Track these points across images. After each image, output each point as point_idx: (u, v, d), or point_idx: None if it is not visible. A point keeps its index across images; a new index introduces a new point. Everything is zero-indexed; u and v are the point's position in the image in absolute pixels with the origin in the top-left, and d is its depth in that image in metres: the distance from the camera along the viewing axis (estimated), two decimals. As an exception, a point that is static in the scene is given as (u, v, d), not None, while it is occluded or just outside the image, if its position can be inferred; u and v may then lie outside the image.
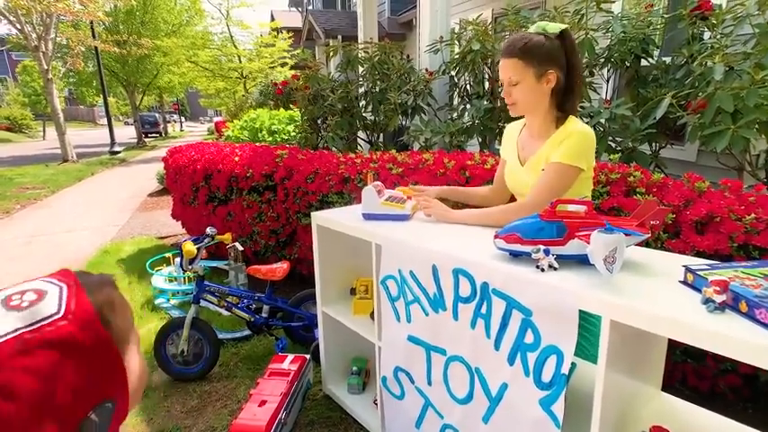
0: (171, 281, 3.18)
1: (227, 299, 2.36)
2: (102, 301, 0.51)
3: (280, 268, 2.30)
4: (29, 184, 8.40)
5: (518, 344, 1.12)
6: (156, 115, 26.47)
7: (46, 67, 10.71)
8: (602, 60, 3.31)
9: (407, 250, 1.41)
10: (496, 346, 1.17)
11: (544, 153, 1.41)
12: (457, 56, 3.65)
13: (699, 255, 1.75)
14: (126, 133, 21.82)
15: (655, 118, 2.63)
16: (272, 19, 17.07)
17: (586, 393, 1.23)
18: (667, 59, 3.29)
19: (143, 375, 0.58)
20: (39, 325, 0.45)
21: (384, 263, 1.51)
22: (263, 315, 2.36)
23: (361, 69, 4.32)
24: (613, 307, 0.93)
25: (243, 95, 13.48)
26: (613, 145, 3.02)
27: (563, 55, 1.35)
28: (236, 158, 3.33)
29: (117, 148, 14.02)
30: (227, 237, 2.46)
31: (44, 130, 23.28)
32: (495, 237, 1.20)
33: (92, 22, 12.24)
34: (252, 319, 2.36)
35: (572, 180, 1.35)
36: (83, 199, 7.26)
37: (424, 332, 1.41)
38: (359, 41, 5.63)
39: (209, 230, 2.36)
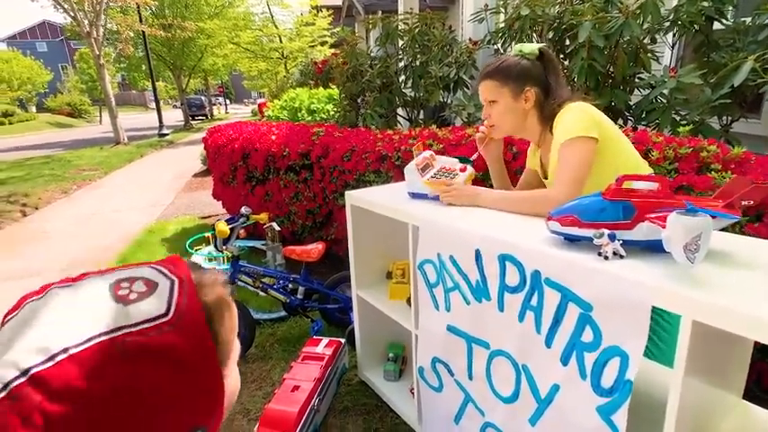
0: (210, 260, 3.23)
1: (263, 279, 2.34)
2: (214, 305, 0.42)
3: (315, 249, 2.24)
4: (85, 165, 8.89)
5: (573, 342, 0.98)
6: (203, 98, 27.27)
7: (98, 53, 11.18)
8: (668, 24, 2.95)
9: (448, 233, 1.29)
10: (548, 343, 1.04)
11: (554, 161, 1.33)
12: (503, 24, 3.39)
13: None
14: (174, 116, 22.69)
15: (732, 86, 2.31)
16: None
17: (653, 399, 1.08)
18: (746, 20, 2.88)
19: (235, 395, 0.48)
20: (142, 327, 0.36)
21: (422, 246, 1.40)
22: (299, 297, 2.33)
23: (400, 43, 4.14)
24: (697, 305, 0.77)
25: (284, 76, 13.55)
26: (677, 118, 2.71)
27: (542, 73, 1.35)
28: (273, 137, 3.29)
29: (165, 131, 14.58)
30: (263, 216, 2.43)
31: (100, 115, 24.64)
32: (548, 219, 1.05)
33: (138, 7, 12.60)
34: (287, 301, 2.33)
35: (589, 153, 1.23)
36: (132, 179, 7.59)
37: (464, 322, 1.30)
38: (411, 12, 5.41)
39: (243, 210, 2.33)
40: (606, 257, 0.94)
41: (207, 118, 26.42)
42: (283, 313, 2.57)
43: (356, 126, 4.24)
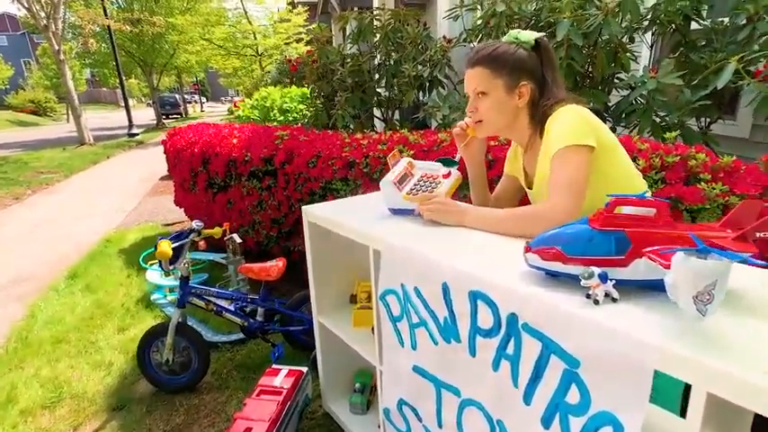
0: (167, 275, 2.97)
1: (217, 301, 2.12)
2: None
3: (274, 267, 2.03)
4: (43, 168, 8.40)
5: (557, 402, 0.81)
6: (177, 96, 26.46)
7: (57, 48, 10.61)
8: (647, 23, 2.85)
9: (411, 261, 1.11)
10: (526, 400, 0.87)
11: (542, 169, 1.17)
12: (479, 21, 3.23)
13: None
14: (147, 115, 21.92)
15: (716, 88, 2.20)
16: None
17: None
18: (725, 20, 2.80)
19: None
20: None
21: (384, 274, 1.22)
22: (258, 319, 2.12)
23: (374, 40, 3.94)
24: (712, 373, 0.61)
25: (260, 73, 13.17)
26: (657, 120, 2.61)
27: (538, 66, 1.18)
28: (235, 141, 3.06)
29: (135, 131, 14.02)
30: (217, 231, 2.21)
31: (68, 113, 23.62)
32: (526, 250, 0.88)
33: (102, 0, 12.04)
34: (245, 324, 2.12)
35: (585, 163, 1.06)
36: (94, 183, 7.19)
37: (432, 364, 1.12)
38: (383, 7, 5.21)
39: (194, 224, 2.11)
40: (596, 302, 0.77)
41: (181, 116, 25.65)
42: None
43: (329, 127, 4.04)
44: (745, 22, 2.52)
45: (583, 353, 0.76)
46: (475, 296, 0.94)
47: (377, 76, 3.94)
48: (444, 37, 3.57)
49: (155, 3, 15.32)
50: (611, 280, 0.78)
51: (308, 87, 4.49)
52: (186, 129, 3.82)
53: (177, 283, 2.91)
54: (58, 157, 9.66)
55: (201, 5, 15.70)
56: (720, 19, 2.80)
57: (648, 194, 1.21)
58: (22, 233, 4.70)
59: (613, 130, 2.83)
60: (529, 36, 1.17)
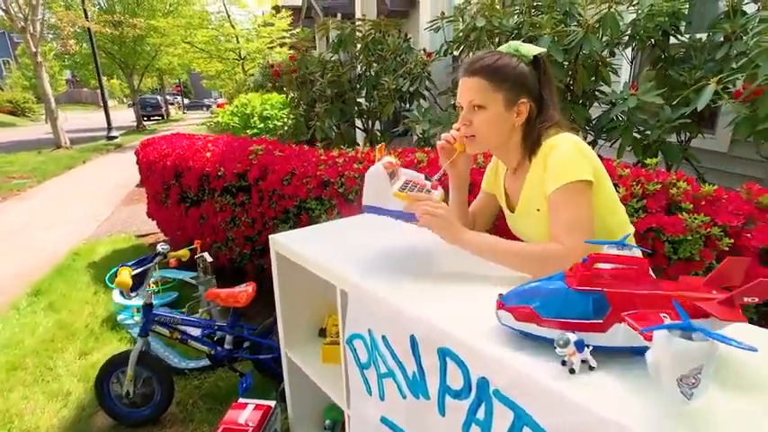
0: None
1: (182, 329, 2.00)
2: None
3: (243, 293, 1.93)
4: (16, 173, 8.10)
5: (532, 477, 0.74)
6: (159, 98, 25.98)
7: (35, 50, 10.30)
8: (627, 38, 2.84)
9: (379, 307, 1.03)
10: (499, 472, 0.80)
11: (529, 195, 1.12)
12: (460, 34, 3.19)
13: None
14: (129, 116, 21.37)
15: (696, 109, 2.18)
16: (274, -4, 16.39)
17: None
18: (702, 36, 2.80)
19: None
20: None
21: (351, 317, 1.13)
22: (227, 346, 2.01)
23: (355, 50, 3.87)
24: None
25: (242, 77, 12.97)
26: (638, 136, 2.59)
27: (537, 84, 1.10)
28: (208, 154, 2.94)
29: (114, 133, 13.66)
30: (184, 253, 2.10)
31: (46, 115, 23.01)
32: (499, 306, 0.81)
33: (83, 2, 11.74)
34: (212, 352, 2.01)
35: (589, 199, 1.01)
36: (68, 190, 6.95)
37: (401, 418, 1.04)
38: (364, 18, 5.15)
39: (159, 248, 2.00)
40: (572, 371, 0.70)
41: (163, 118, 25.20)
42: (212, 362, 2.25)
43: (308, 139, 3.94)
44: (722, 39, 2.53)
45: (556, 428, 0.69)
46: (444, 353, 0.87)
47: (358, 86, 3.87)
48: (425, 50, 3.51)
49: (137, 5, 15.02)
50: (587, 346, 0.71)
51: (286, 97, 4.38)
52: (160, 139, 3.68)
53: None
54: (32, 161, 9.34)
55: (184, 8, 15.44)
56: (699, 35, 2.80)
57: (631, 233, 1.17)
58: (-13, 244, 4.48)
59: (595, 142, 2.80)
60: (529, 50, 1.09)
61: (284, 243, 1.43)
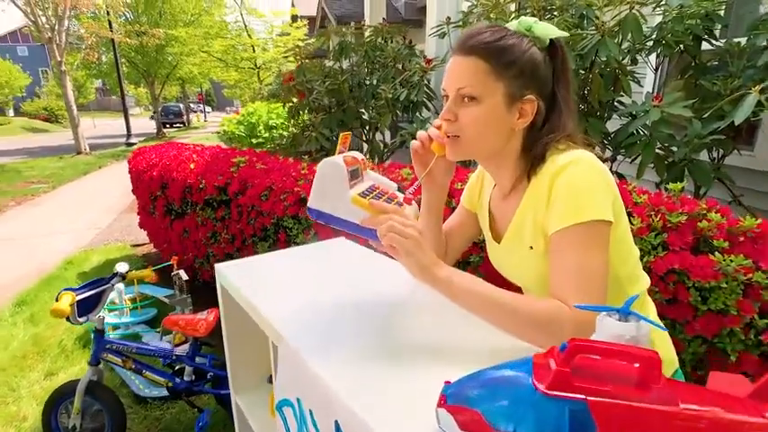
0: (110, 311, 2.68)
1: (137, 358, 1.81)
2: None
3: (203, 321, 1.72)
4: (35, 177, 8.25)
5: None
6: (181, 106, 26.63)
7: (60, 59, 10.56)
8: (651, 43, 2.55)
9: (307, 377, 0.80)
10: None
11: (521, 225, 0.83)
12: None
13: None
14: (152, 124, 21.90)
15: (732, 123, 1.88)
16: (293, 5, 16.53)
17: None
18: (741, 41, 2.49)
19: None
20: None
21: (280, 380, 0.91)
22: (186, 378, 1.81)
23: (355, 58, 3.69)
24: None
25: (257, 86, 13.03)
26: (661, 153, 2.29)
27: (550, 79, 0.81)
28: (192, 165, 2.78)
29: (133, 140, 13.92)
30: (148, 273, 1.92)
31: (69, 120, 23.88)
32: (441, 400, 0.57)
33: (108, 14, 12.05)
34: (170, 384, 1.80)
35: (605, 244, 0.73)
36: (78, 196, 6.97)
37: None
38: (363, 24, 4.99)
39: (118, 268, 1.82)
40: None
41: (184, 126, 25.75)
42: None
43: (306, 150, 3.76)
44: (765, 44, 2.22)
45: None
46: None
47: (359, 95, 3.67)
48: (425, 57, 3.30)
49: (159, 16, 15.38)
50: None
51: (283, 106, 4.23)
52: (150, 149, 3.57)
53: (123, 320, 2.64)
54: (51, 166, 9.51)
55: (206, 18, 15.73)
56: (737, 40, 2.49)
57: (644, 290, 0.90)
58: (-13, 250, 4.44)
59: (613, 160, 2.52)
60: (546, 31, 0.79)
61: (227, 275, 1.22)
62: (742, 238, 1.24)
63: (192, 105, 30.34)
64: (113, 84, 22.89)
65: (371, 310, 0.96)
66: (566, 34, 0.82)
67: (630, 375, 0.50)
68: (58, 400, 1.76)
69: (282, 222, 2.11)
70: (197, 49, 14.69)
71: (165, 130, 19.27)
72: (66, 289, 1.60)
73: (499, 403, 0.52)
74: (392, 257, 0.77)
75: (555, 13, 2.67)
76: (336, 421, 0.70)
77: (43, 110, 27.21)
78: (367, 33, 3.50)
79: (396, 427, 0.61)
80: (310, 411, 0.80)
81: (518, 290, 0.98)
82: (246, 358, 1.38)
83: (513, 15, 2.82)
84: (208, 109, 38.46)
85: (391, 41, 3.45)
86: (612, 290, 0.76)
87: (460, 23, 3.19)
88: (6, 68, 28.21)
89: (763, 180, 2.74)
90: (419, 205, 0.99)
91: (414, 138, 0.89)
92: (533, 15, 2.70)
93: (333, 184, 0.80)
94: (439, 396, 0.58)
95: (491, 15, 2.61)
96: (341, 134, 0.89)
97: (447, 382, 0.59)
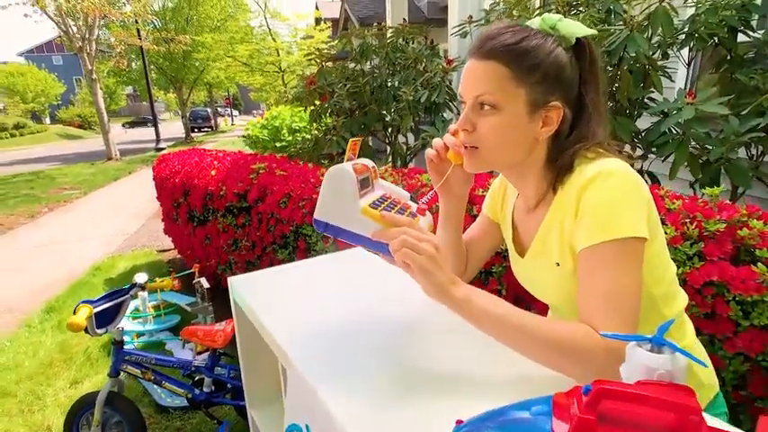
0: (134, 318, 2.74)
1: (157, 369, 1.83)
2: None
3: (220, 332, 1.73)
4: (67, 184, 8.57)
5: None
6: (209, 110, 27.31)
7: (90, 68, 10.97)
8: (683, 37, 2.42)
9: (316, 403, 0.77)
10: None
11: (547, 240, 0.77)
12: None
13: None
14: (181, 128, 22.51)
15: (772, 121, 1.76)
16: (317, 8, 16.68)
17: None
18: (781, 32, 2.33)
19: None
20: None
21: (290, 403, 0.88)
22: (206, 389, 1.81)
23: (376, 60, 3.66)
24: None
25: (282, 89, 13.20)
26: (696, 152, 2.17)
27: (576, 82, 0.74)
28: (213, 172, 2.81)
29: (162, 145, 14.32)
30: (167, 283, 1.94)
31: (101, 127, 24.84)
32: (458, 424, 0.53)
33: (137, 22, 12.44)
34: (189, 395, 1.81)
35: (639, 263, 0.67)
36: (108, 202, 7.21)
37: None
38: (384, 26, 4.96)
39: (137, 278, 1.84)
40: None
41: (212, 129, 26.37)
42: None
43: (327, 154, 3.76)
44: (807, 36, 2.08)
45: None
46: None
47: (380, 97, 3.64)
48: (446, 57, 3.23)
49: (186, 23, 15.78)
50: None
51: (305, 110, 4.24)
52: (173, 156, 3.63)
53: (147, 327, 2.69)
54: (83, 172, 9.88)
55: (230, 23, 16.05)
56: (774, 31, 2.34)
57: (680, 312, 0.83)
58: (19, 257, 4.62)
59: (644, 159, 2.40)
60: (572, 29, 0.72)
61: (239, 290, 1.20)
62: (788, 249, 1.14)
63: (219, 109, 31.05)
64: (143, 90, 23.77)
65: (384, 333, 0.92)
66: (594, 32, 0.75)
67: (665, 427, 0.45)
68: (80, 410, 1.78)
69: (301, 230, 2.10)
70: (223, 54, 15.00)
71: (193, 135, 19.77)
72: (83, 301, 1.62)
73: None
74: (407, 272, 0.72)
75: (581, 9, 2.57)
76: (346, 454, 0.67)
77: (77, 117, 28.41)
78: (388, 34, 3.47)
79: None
80: (320, 439, 0.77)
81: (545, 306, 0.93)
82: (262, 372, 1.36)
83: (538, 12, 2.73)
84: (235, 113, 39.29)
85: (412, 42, 3.40)
86: (646, 311, 0.70)
87: (483, 22, 3.12)
88: (42, 78, 29.63)
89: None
90: (436, 215, 0.94)
91: (432, 140, 0.85)
92: (558, 12, 2.61)
93: (341, 194, 0.74)
94: (455, 422, 0.54)
95: (514, 13, 2.53)
96: (350, 140, 0.85)
97: (459, 422, 0.54)
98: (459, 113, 3.25)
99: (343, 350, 0.86)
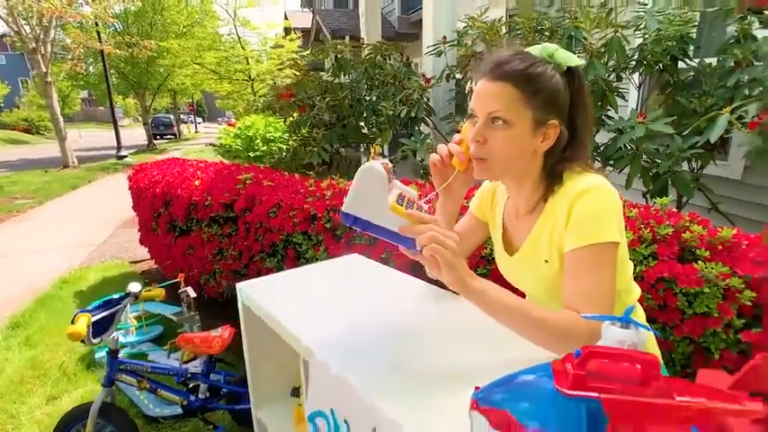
0: (117, 330, 2.70)
1: (151, 377, 1.86)
2: None
3: (218, 338, 1.79)
4: (19, 192, 8.11)
5: None
6: (171, 117, 26.47)
7: (45, 70, 10.49)
8: (634, 63, 2.72)
9: (340, 388, 0.88)
10: None
11: (538, 241, 0.91)
12: (461, 57, 3.11)
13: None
14: (142, 135, 21.69)
15: (708, 141, 2.03)
16: (286, 18, 16.67)
17: None
18: (711, 61, 2.67)
19: None
20: None
21: (312, 392, 0.99)
22: (201, 396, 1.86)
23: (354, 74, 3.80)
24: None
25: (252, 98, 13.08)
26: (647, 165, 2.44)
27: (568, 102, 0.87)
28: (197, 182, 2.85)
29: (124, 152, 13.80)
30: (158, 293, 1.97)
31: (56, 133, 23.50)
32: (473, 404, 0.66)
33: (97, 24, 12.01)
34: (185, 402, 1.86)
35: (614, 263, 0.83)
36: (68, 212, 6.88)
37: None
38: (361, 42, 5.13)
39: (131, 287, 1.87)
40: (560, 507, 0.55)
41: (175, 137, 25.60)
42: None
43: (306, 164, 3.85)
44: (733, 65, 2.40)
45: None
46: (409, 457, 0.71)
47: (358, 111, 3.78)
48: (423, 75, 3.42)
49: (150, 27, 15.38)
50: (581, 472, 0.56)
51: (284, 121, 4.32)
52: (152, 166, 3.61)
53: (129, 339, 2.67)
54: (36, 180, 9.36)
55: (198, 30, 15.77)
56: (708, 60, 2.67)
57: (636, 299, 1.01)
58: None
59: (603, 169, 2.66)
60: (566, 58, 0.86)
61: (249, 293, 1.29)
62: (720, 247, 1.36)
63: (182, 116, 30.14)
64: (100, 94, 22.71)
65: (393, 324, 1.05)
66: (583, 62, 0.91)
67: (635, 376, 0.60)
68: (69, 424, 1.77)
69: (292, 238, 2.19)
70: (190, 61, 14.69)
71: (155, 142, 19.14)
72: (81, 311, 1.65)
73: (526, 404, 0.61)
74: (413, 263, 0.83)
75: (546, 33, 2.82)
76: (375, 428, 0.78)
77: (23, 121, 26.73)
78: (366, 51, 3.62)
79: (433, 426, 0.70)
80: (345, 421, 0.89)
81: (522, 295, 1.08)
82: (268, 374, 1.45)
83: (506, 37, 2.97)
84: (199, 120, 38.23)
85: (390, 59, 3.56)
86: (619, 274, 0.86)
87: (455, 42, 3.33)
88: (-18, 78, 27.73)
89: (737, 188, 2.92)
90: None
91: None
92: (525, 37, 2.85)
93: (373, 191, 0.80)
94: (471, 400, 0.67)
95: (487, 37, 2.75)
96: (373, 146, 0.96)
97: (477, 388, 0.68)
98: (435, 128, 3.44)
99: (358, 339, 0.98)
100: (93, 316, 1.64)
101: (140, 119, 36.26)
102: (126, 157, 13.90)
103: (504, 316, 0.82)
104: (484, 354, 0.89)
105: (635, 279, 1.01)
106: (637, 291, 1.01)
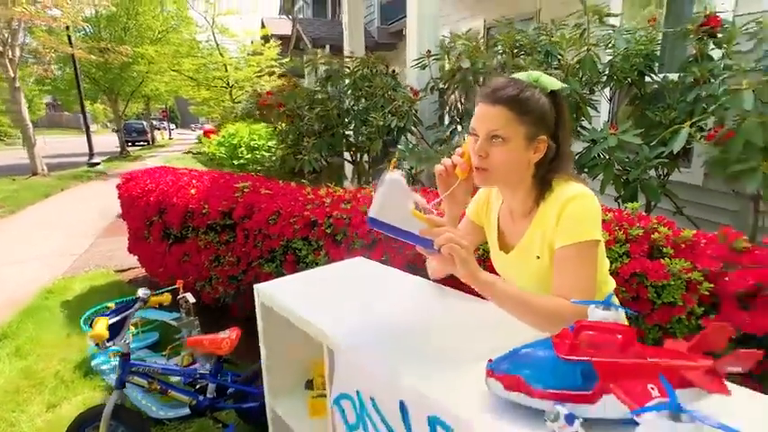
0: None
1: (162, 379, 1.93)
2: None
3: (226, 339, 1.88)
4: (-13, 202, 7.85)
5: None
6: (144, 123, 25.86)
7: (13, 75, 10.19)
8: (605, 78, 2.97)
9: (366, 369, 1.01)
10: None
11: (531, 240, 1.08)
12: (447, 72, 3.29)
13: (746, 339, 1.38)
14: (113, 141, 21.15)
15: (672, 152, 2.27)
16: (263, 26, 16.67)
17: None
18: (674, 77, 2.94)
19: None
20: None
21: (338, 377, 1.11)
22: (209, 395, 1.94)
23: (342, 85, 3.94)
24: None
25: (230, 105, 13.01)
26: (619, 173, 2.67)
27: (553, 122, 1.04)
28: (193, 191, 2.92)
29: (96, 160, 13.46)
30: (166, 297, 2.05)
31: (23, 139, 22.62)
32: (488, 373, 0.80)
33: (68, 28, 11.72)
34: (194, 402, 1.93)
35: (596, 258, 1.01)
36: (43, 221, 6.70)
37: (391, 485, 1.01)
38: (344, 52, 5.27)
39: (140, 293, 1.94)
40: (564, 447, 0.69)
41: (148, 144, 25.04)
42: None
43: (294, 172, 3.95)
44: (692, 81, 2.66)
45: None
46: (434, 422, 0.85)
47: (346, 120, 3.91)
48: (411, 88, 3.59)
49: (124, 32, 15.10)
50: (578, 419, 0.70)
51: (274, 130, 4.41)
52: (143, 174, 3.64)
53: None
54: (4, 189, 9.01)
55: (174, 36, 15.56)
56: (671, 76, 2.95)
57: (613, 288, 1.19)
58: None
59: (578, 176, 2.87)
60: (550, 83, 1.02)
61: (269, 293, 1.40)
62: (683, 246, 1.56)
63: (155, 122, 29.45)
64: (66, 100, 21.95)
65: (404, 315, 1.20)
66: (564, 86, 1.08)
67: (617, 343, 0.76)
68: (82, 426, 1.82)
69: (292, 244, 2.29)
70: (167, 67, 14.47)
71: (128, 149, 18.69)
72: (98, 315, 1.72)
73: (533, 369, 0.76)
74: (411, 264, 1.00)
75: (526, 50, 3.03)
76: (402, 401, 0.91)
77: (-17, 127, 25.64)
78: (354, 64, 3.77)
79: (456, 396, 0.83)
80: (371, 398, 1.01)
81: None
82: (283, 369, 1.56)
83: (487, 53, 3.17)
84: (172, 126, 37.41)
85: (376, 71, 3.72)
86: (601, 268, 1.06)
87: (439, 56, 3.52)
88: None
89: (698, 192, 3.20)
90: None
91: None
92: (505, 53, 3.07)
93: (398, 199, 0.93)
94: (485, 370, 0.81)
95: (470, 55, 2.94)
96: (390, 160, 1.12)
97: (490, 360, 0.82)
98: (422, 137, 3.60)
99: (377, 328, 1.12)
100: (110, 319, 1.70)
101: (109, 125, 35.18)
102: (98, 164, 13.56)
103: (508, 303, 0.98)
104: (488, 337, 1.04)
105: (611, 274, 1.19)
106: (612, 283, 1.19)
